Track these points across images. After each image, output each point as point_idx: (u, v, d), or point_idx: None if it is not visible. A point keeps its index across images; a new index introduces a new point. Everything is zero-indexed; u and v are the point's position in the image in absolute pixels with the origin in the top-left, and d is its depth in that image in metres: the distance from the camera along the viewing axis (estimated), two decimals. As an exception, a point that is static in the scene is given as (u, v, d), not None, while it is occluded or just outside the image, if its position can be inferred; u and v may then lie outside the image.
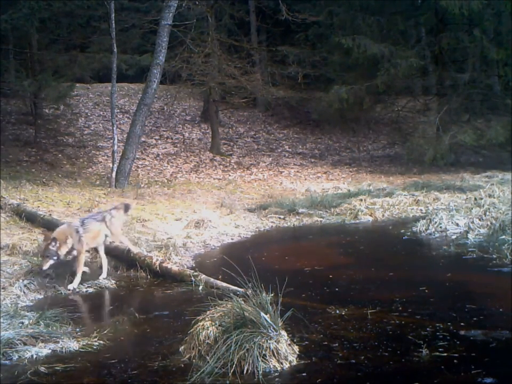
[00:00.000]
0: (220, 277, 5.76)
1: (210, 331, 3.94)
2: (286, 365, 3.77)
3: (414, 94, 18.87)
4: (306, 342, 4.13)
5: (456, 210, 8.80)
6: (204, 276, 5.99)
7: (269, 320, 3.87)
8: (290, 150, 18.81)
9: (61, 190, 11.49)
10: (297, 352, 3.92)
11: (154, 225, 8.84)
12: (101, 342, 4.38)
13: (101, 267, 6.80)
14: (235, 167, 16.39)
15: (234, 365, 3.65)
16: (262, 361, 3.72)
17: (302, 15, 16.80)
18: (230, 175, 15.45)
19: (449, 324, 4.39)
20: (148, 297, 5.94)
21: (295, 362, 3.81)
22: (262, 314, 3.89)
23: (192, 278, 5.97)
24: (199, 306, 4.23)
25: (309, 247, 8.17)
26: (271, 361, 3.75)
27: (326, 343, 4.14)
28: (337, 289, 5.70)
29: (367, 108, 17.67)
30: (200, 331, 3.98)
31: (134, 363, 3.99)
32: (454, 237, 7.67)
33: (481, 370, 3.53)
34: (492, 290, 5.42)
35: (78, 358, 4.12)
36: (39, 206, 9.32)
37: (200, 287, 5.85)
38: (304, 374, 3.68)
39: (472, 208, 8.71)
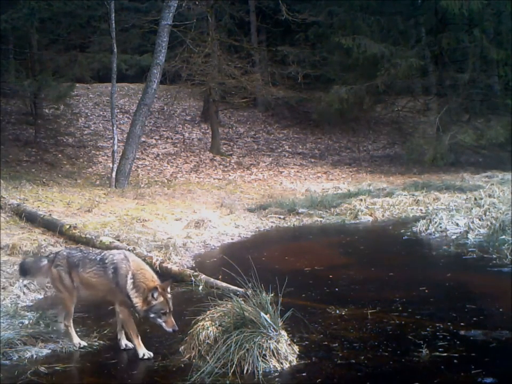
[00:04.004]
0: (220, 277, 5.75)
1: (210, 331, 3.94)
2: (286, 365, 3.77)
3: (414, 94, 18.86)
4: (306, 342, 4.13)
5: (456, 210, 8.80)
6: (203, 276, 6.00)
7: (269, 320, 3.87)
8: (290, 150, 18.80)
9: (61, 190, 11.49)
10: (297, 352, 3.92)
11: (154, 225, 8.84)
12: (101, 342, 4.39)
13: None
14: (235, 167, 16.38)
15: (234, 365, 3.65)
16: (262, 361, 3.72)
17: (302, 15, 16.79)
18: (230, 175, 15.44)
19: (449, 324, 4.39)
20: (148, 297, 5.92)
21: (295, 362, 3.81)
22: (262, 314, 3.89)
23: (192, 278, 5.98)
24: (199, 306, 4.23)
25: (309, 247, 8.17)
26: (271, 361, 3.75)
27: (326, 343, 4.14)
28: (337, 289, 5.70)
29: (367, 107, 17.67)
30: (200, 331, 3.98)
31: (134, 363, 3.99)
32: (454, 237, 7.67)
33: (481, 370, 3.53)
34: (492, 290, 5.41)
35: (78, 358, 4.13)
36: (39, 206, 9.32)
37: (200, 287, 5.86)
38: (304, 374, 3.68)
39: (472, 208, 8.71)
